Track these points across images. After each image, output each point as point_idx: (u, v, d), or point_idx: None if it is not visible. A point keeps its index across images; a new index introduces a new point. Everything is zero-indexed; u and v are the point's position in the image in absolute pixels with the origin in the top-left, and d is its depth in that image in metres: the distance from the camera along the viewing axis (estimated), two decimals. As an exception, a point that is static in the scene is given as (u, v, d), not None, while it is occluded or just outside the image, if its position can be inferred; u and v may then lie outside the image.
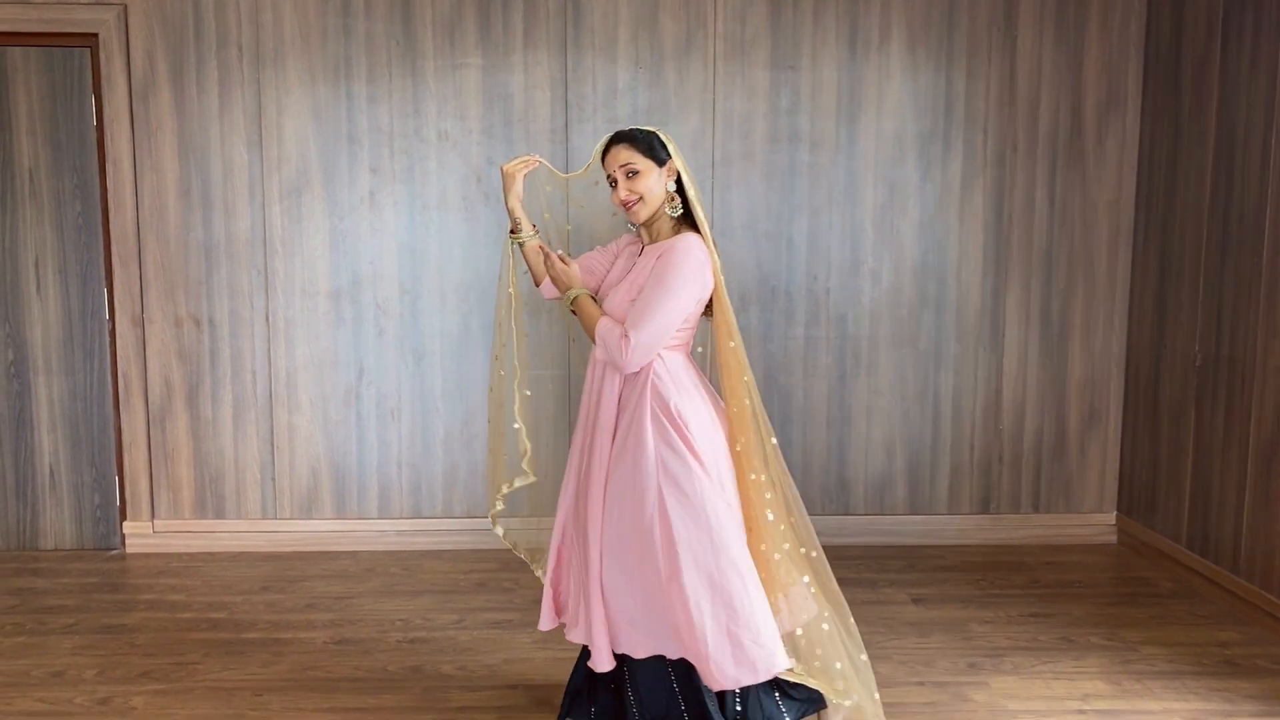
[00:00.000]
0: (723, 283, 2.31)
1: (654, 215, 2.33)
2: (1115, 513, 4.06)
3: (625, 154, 2.28)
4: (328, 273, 3.84)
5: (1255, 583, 3.20)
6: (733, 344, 2.29)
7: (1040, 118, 3.88)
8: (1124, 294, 3.97)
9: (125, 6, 3.68)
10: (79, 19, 3.68)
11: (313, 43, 3.74)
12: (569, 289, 2.37)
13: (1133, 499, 3.96)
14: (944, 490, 4.04)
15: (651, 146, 2.30)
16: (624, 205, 2.31)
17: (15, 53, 3.72)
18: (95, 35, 3.71)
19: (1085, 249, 3.94)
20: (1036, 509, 4.06)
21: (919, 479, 4.03)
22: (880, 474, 4.01)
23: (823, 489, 3.99)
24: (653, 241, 2.37)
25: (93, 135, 3.77)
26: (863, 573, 3.69)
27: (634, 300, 2.28)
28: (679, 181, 2.34)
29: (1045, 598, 3.45)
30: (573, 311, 2.37)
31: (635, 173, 2.28)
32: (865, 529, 4.00)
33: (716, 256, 2.30)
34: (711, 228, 3.84)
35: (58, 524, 3.94)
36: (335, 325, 3.86)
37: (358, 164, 3.79)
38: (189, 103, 3.75)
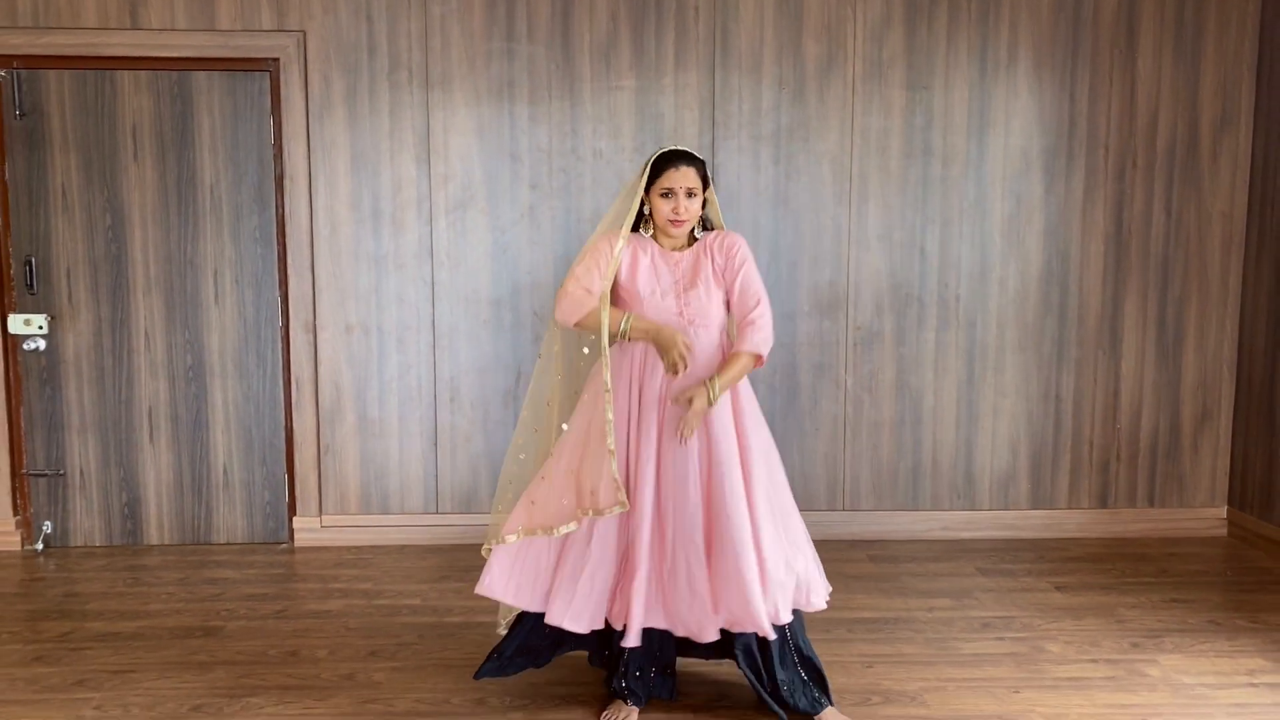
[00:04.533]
0: None
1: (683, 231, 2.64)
2: (1226, 507, 4.28)
3: (694, 178, 2.56)
4: (489, 283, 4.08)
5: (1385, 569, 3.42)
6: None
7: (1158, 135, 4.12)
8: (1235, 301, 4.20)
9: (304, 33, 3.93)
10: (261, 45, 3.92)
11: (478, 66, 3.98)
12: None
13: (1245, 493, 4.18)
14: (1064, 486, 4.27)
15: (706, 174, 2.61)
16: (674, 222, 2.57)
17: (200, 76, 3.96)
18: (276, 60, 3.95)
19: (1199, 258, 4.18)
20: (1151, 503, 4.29)
21: (1041, 475, 4.26)
22: (1005, 471, 4.24)
23: (951, 485, 4.22)
24: (675, 248, 2.64)
25: (270, 153, 4.01)
26: (998, 564, 3.92)
27: (717, 296, 2.60)
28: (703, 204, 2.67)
29: (1180, 585, 3.68)
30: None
31: (693, 194, 2.57)
32: (991, 523, 4.23)
33: None
34: (848, 237, 4.10)
35: (230, 520, 4.17)
36: (495, 331, 4.09)
37: (519, 180, 4.04)
38: (361, 122, 3.99)
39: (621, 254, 2.60)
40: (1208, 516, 4.29)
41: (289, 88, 3.96)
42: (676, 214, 2.56)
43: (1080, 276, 4.18)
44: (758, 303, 2.56)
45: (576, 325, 2.59)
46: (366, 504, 4.16)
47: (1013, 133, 4.10)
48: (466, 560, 3.95)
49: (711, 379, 2.50)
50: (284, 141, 3.99)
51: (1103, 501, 4.28)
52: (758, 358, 2.56)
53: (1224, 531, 4.29)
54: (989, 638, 3.19)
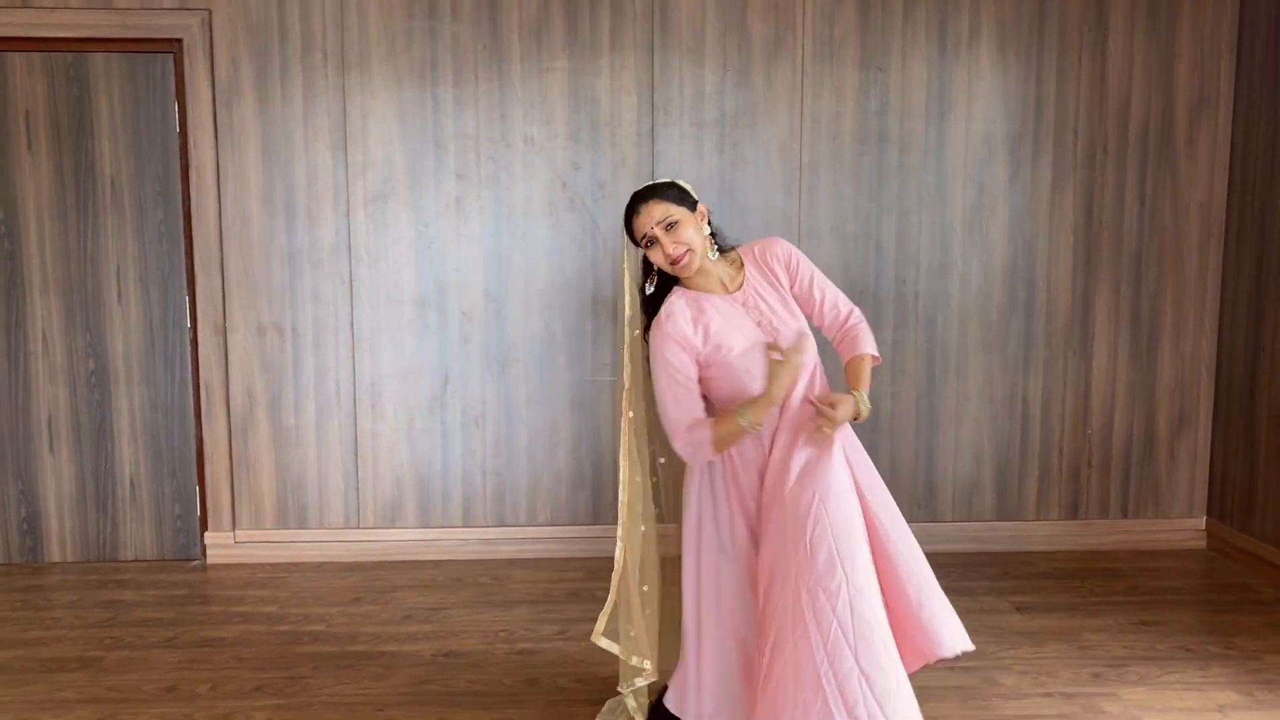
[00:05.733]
0: None
1: (700, 263, 2.21)
2: (1205, 517, 4.00)
3: (659, 209, 2.17)
4: (413, 280, 3.79)
5: (1372, 589, 3.15)
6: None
7: (1131, 118, 3.83)
8: (1215, 296, 3.92)
9: (209, 12, 3.64)
10: (163, 24, 3.64)
11: (398, 46, 3.70)
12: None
13: (1225, 503, 3.90)
14: (1032, 496, 3.99)
15: (682, 194, 2.21)
16: (673, 262, 2.17)
17: (98, 59, 3.68)
18: (179, 41, 3.66)
19: (1175, 251, 3.89)
20: (1125, 514, 4.01)
21: (1007, 485, 3.98)
22: (968, 480, 3.96)
23: (910, 495, 3.94)
24: (727, 285, 2.27)
25: (175, 142, 3.73)
26: (958, 580, 3.64)
27: (799, 313, 2.29)
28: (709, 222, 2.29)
29: (1151, 605, 3.40)
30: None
31: (674, 224, 2.16)
32: (953, 535, 3.95)
33: None
34: (798, 229, 3.82)
35: (138, 535, 3.89)
36: (420, 333, 3.81)
37: (444, 169, 3.75)
38: (273, 109, 3.71)
39: (691, 341, 2.19)
40: (1186, 528, 4.01)
41: (194, 71, 3.67)
42: (673, 257, 2.16)
43: (1048, 271, 3.89)
44: (850, 307, 2.32)
45: (716, 453, 2.17)
46: (283, 519, 3.88)
47: (975, 117, 3.81)
48: (386, 579, 3.67)
49: (857, 390, 2.18)
50: (189, 129, 3.70)
51: (1073, 512, 4.00)
52: (875, 358, 2.30)
53: (1203, 544, 4.00)
54: (935, 669, 2.89)
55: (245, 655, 3.02)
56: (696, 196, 2.26)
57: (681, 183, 2.26)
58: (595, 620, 3.24)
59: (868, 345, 2.28)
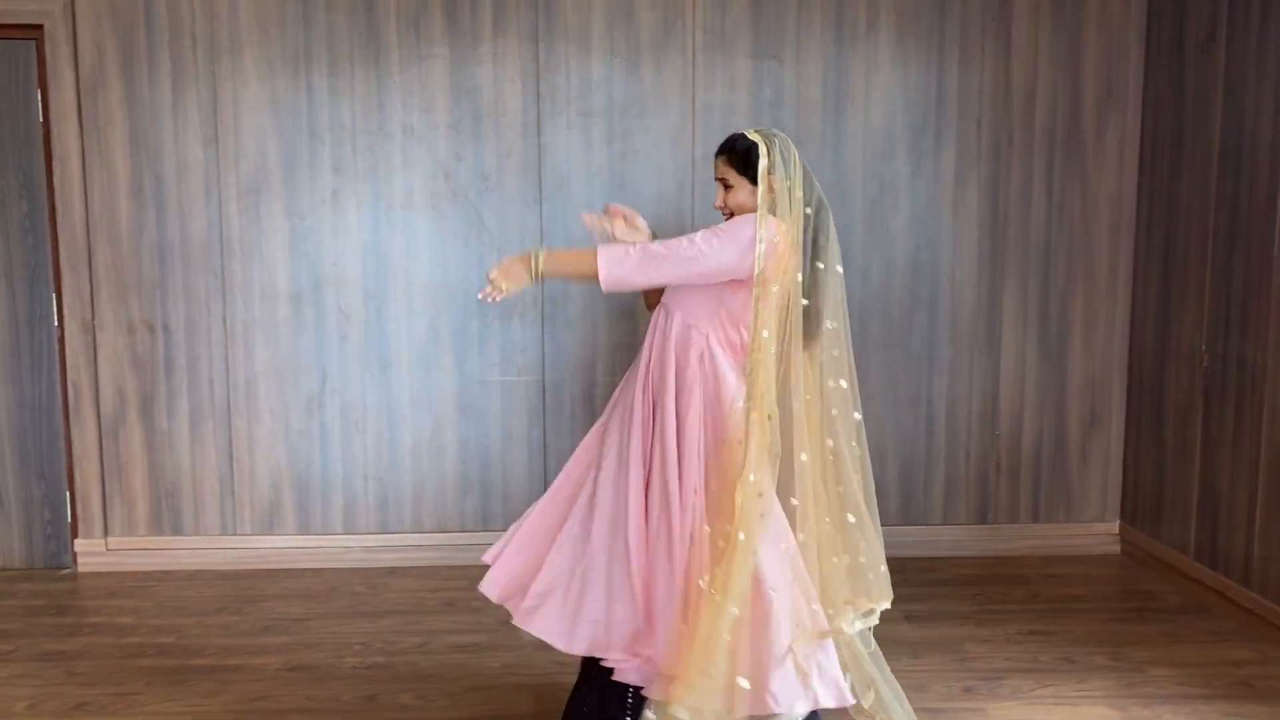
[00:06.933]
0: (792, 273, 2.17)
1: None
2: (1118, 522, 3.87)
3: (721, 167, 2.29)
4: (288, 275, 3.64)
5: (1269, 597, 3.02)
6: (764, 335, 2.17)
7: (1037, 109, 3.70)
8: (1126, 292, 3.78)
9: (72, -4, 3.49)
10: (23, 9, 3.48)
11: (271, 33, 3.55)
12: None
13: (1137, 507, 3.77)
14: (938, 500, 3.85)
15: (748, 164, 2.24)
16: (719, 209, 2.34)
17: (-44, 45, 3.53)
18: (40, 27, 3.51)
19: (1085, 245, 3.76)
20: (1035, 519, 3.87)
21: (912, 488, 3.84)
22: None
23: (811, 499, 3.79)
24: None
25: (39, 132, 3.58)
26: (853, 588, 3.49)
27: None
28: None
29: (1046, 614, 3.26)
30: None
31: (729, 186, 2.28)
32: (856, 541, 3.80)
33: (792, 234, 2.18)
34: (691, 224, 3.67)
35: (5, 542, 3.73)
36: (296, 330, 3.66)
37: (319, 161, 3.60)
38: (140, 97, 3.56)
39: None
40: (1098, 533, 3.87)
41: (56, 58, 3.52)
42: (719, 207, 2.32)
43: (952, 267, 3.76)
44: (667, 244, 2.18)
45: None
46: (157, 525, 3.72)
47: (874, 108, 3.68)
48: (258, 588, 3.52)
49: (538, 250, 2.23)
50: (53, 119, 3.55)
51: (981, 517, 3.86)
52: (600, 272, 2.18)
53: (1117, 549, 3.87)
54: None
55: (80, 670, 2.86)
56: (771, 167, 2.18)
57: (766, 149, 2.20)
58: (463, 632, 3.12)
59: (602, 250, 2.18)
